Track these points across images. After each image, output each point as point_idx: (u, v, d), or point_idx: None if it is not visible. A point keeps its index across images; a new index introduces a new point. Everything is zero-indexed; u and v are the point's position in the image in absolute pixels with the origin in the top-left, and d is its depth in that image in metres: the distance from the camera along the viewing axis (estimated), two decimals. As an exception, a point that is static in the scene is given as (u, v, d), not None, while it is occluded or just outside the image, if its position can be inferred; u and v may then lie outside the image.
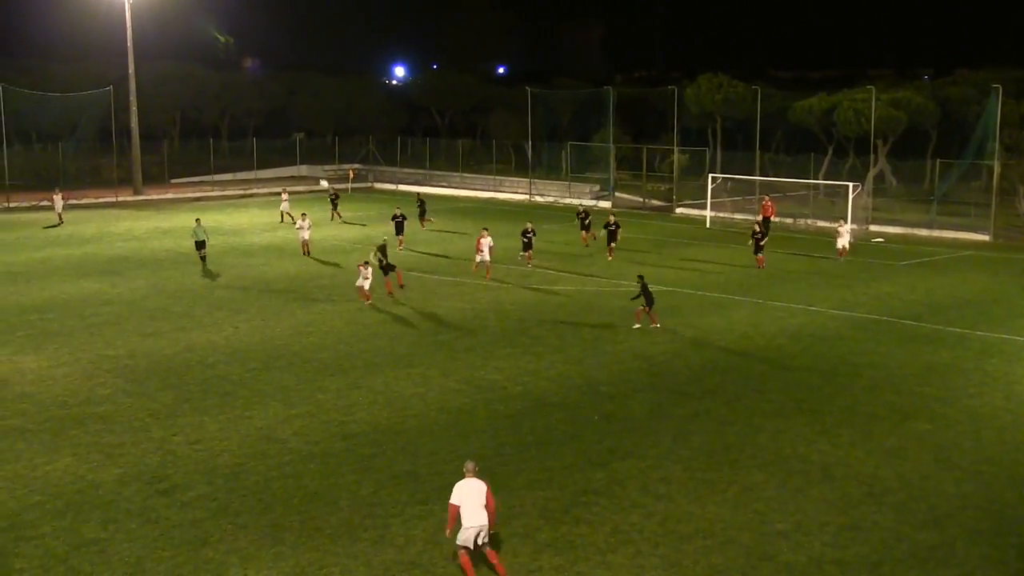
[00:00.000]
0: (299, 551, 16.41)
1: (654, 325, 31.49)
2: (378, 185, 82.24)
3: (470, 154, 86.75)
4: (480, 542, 15.48)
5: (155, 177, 77.12)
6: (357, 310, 34.00)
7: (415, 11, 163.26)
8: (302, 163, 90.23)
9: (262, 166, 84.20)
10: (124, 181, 73.03)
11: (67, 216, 59.00)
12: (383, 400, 24.36)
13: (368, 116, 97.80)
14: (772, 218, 53.30)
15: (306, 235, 45.82)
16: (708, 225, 57.96)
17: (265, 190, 76.95)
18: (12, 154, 72.08)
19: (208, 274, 40.83)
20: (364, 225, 56.95)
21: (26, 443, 21.11)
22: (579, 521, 17.67)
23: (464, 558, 15.45)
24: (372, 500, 18.45)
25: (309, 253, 45.62)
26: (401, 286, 37.22)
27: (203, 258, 43.51)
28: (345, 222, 57.90)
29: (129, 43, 71.07)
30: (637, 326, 31.47)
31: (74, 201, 66.06)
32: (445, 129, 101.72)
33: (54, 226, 56.23)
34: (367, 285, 34.78)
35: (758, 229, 43.67)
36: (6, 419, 22.63)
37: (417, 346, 29.42)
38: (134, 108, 72.57)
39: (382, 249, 36.99)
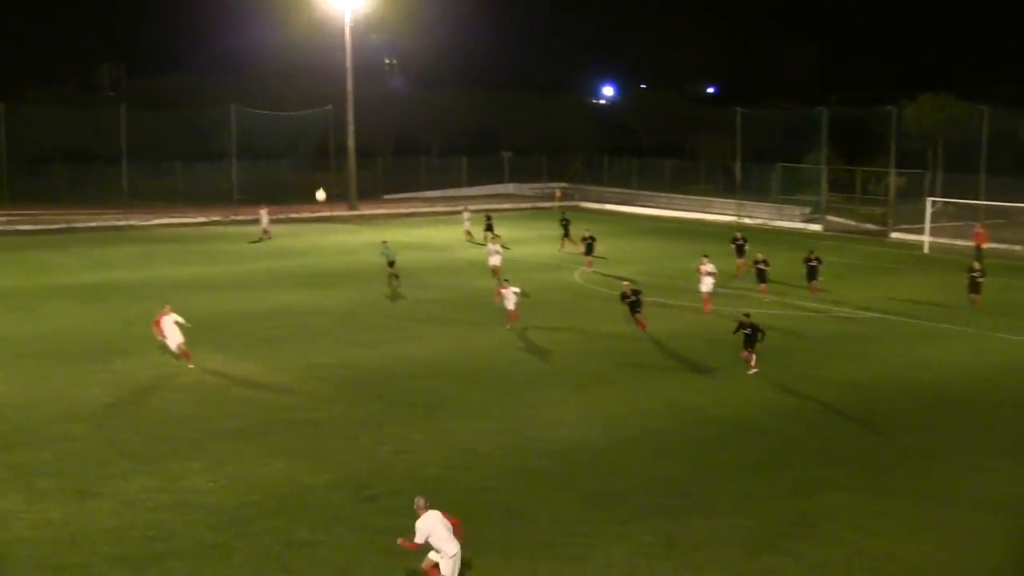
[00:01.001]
0: (498, 567, 16.54)
1: (752, 370, 28.08)
2: (583, 204, 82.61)
3: (677, 174, 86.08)
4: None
5: (369, 192, 79.95)
6: (560, 329, 34.15)
7: (626, 32, 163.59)
8: (510, 181, 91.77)
9: (471, 183, 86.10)
10: (339, 196, 76.04)
11: (285, 230, 61.87)
12: (584, 418, 24.35)
13: (575, 135, 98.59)
14: (983, 246, 50.40)
15: (495, 261, 43.03)
16: (926, 251, 55.42)
17: (473, 207, 78.67)
18: (240, 169, 76.39)
19: (397, 295, 41.02)
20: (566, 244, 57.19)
21: (244, 444, 22.15)
22: (782, 552, 17.11)
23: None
24: (572, 519, 18.42)
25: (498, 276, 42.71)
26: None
27: (395, 276, 41.98)
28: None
29: (348, 63, 74.10)
30: (754, 370, 28.14)
31: (293, 215, 69.30)
32: (652, 149, 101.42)
33: (257, 241, 58.77)
34: (510, 305, 33.38)
35: (977, 267, 40.41)
36: (226, 421, 23.83)
37: (620, 366, 29.30)
38: (351, 127, 75.56)
39: (630, 299, 33.59)
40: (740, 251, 45.28)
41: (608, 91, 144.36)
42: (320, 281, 43.84)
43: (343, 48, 74.66)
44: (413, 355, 30.45)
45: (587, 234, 47.82)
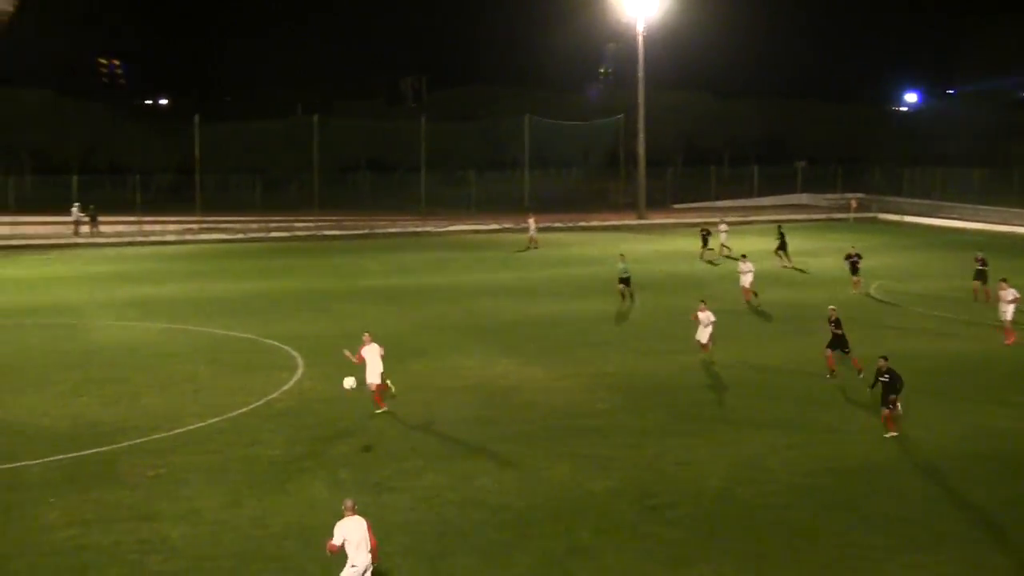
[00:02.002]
0: (783, 586, 15.99)
1: (890, 433, 23.07)
2: (881, 215, 78.94)
3: (986, 184, 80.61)
4: None
5: (658, 201, 79.93)
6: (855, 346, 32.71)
7: (932, 34, 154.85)
8: (803, 191, 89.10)
9: (762, 193, 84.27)
10: (628, 205, 76.47)
11: (575, 238, 62.82)
12: (871, 437, 23.17)
13: (873, 144, 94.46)
14: None
15: (746, 281, 40.51)
16: None
17: (763, 218, 76.91)
18: (532, 178, 78.38)
19: (624, 311, 40.28)
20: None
21: (529, 448, 22.57)
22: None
23: None
24: (860, 542, 17.54)
25: (750, 301, 40.35)
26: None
27: (626, 295, 40.43)
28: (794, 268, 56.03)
29: (640, 73, 74.42)
30: (892, 434, 23.14)
31: (582, 223, 70.31)
32: (958, 158, 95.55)
33: (524, 249, 59.67)
34: (703, 338, 30.63)
35: None
36: (513, 424, 24.39)
37: (918, 391, 27.66)
38: (642, 135, 75.81)
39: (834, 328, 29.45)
40: None
41: (911, 98, 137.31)
42: (608, 288, 44.09)
43: (635, 57, 75.07)
44: (698, 365, 30.04)
45: (852, 251, 44.00)
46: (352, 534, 14.79)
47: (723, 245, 55.78)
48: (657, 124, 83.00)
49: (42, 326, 36.79)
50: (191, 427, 23.66)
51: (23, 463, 21.32)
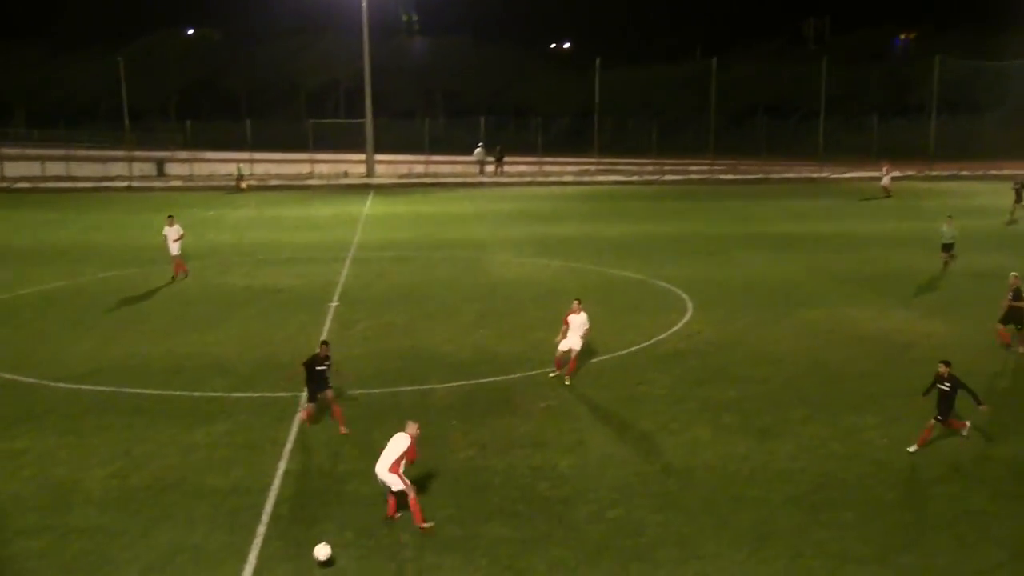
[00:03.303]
0: None
1: (912, 448, 18.78)
2: None
3: None
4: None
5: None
6: None
7: None
8: None
9: None
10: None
11: (984, 187, 58.13)
12: None
13: None
14: None
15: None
16: None
17: None
18: (938, 124, 73.26)
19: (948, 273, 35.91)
20: None
21: (922, 406, 21.35)
22: None
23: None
24: None
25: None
26: None
27: (947, 262, 36.28)
28: None
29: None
30: (913, 448, 18.75)
31: (992, 172, 64.87)
32: None
33: (869, 198, 55.78)
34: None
35: None
36: (906, 380, 23.07)
37: None
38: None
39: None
40: None
41: None
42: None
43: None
44: None
45: None
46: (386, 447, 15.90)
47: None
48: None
49: (450, 260, 39.58)
50: (581, 363, 24.54)
51: (431, 386, 23.15)
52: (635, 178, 73.02)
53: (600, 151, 77.75)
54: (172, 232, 35.55)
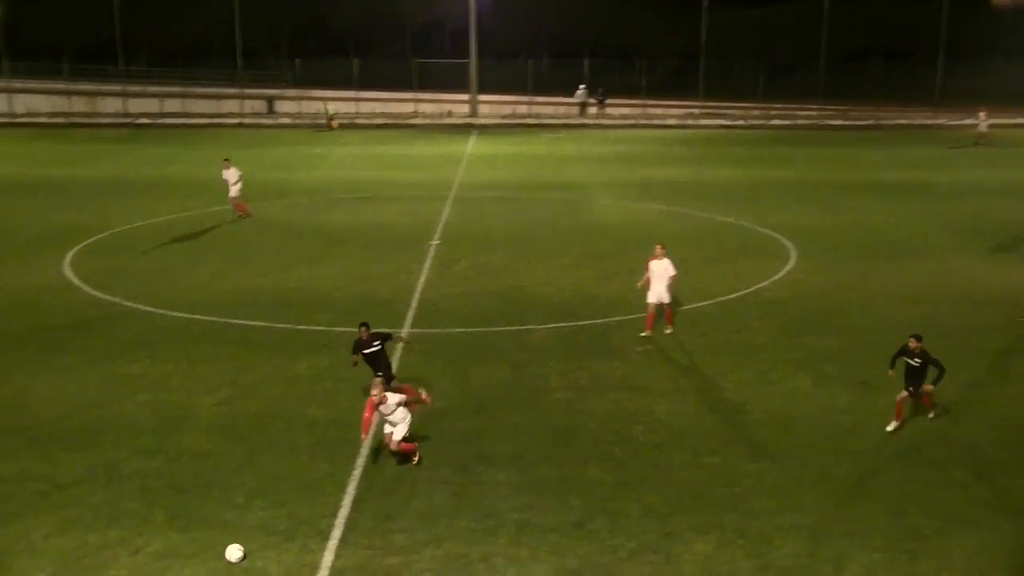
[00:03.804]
0: None
1: (891, 426, 17.33)
2: None
3: None
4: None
5: None
6: None
7: None
8: None
9: None
10: None
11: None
12: None
13: None
14: None
15: None
16: None
17: None
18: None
19: None
20: None
21: (1037, 364, 20.78)
22: None
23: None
24: None
25: None
26: None
27: None
28: None
29: None
30: (891, 427, 17.35)
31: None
32: None
33: (974, 145, 54.17)
34: None
35: None
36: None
37: None
38: None
39: None
40: None
41: None
42: None
43: None
44: None
45: None
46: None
47: None
48: None
49: (551, 201, 39.54)
50: (680, 308, 24.39)
51: (529, 327, 23.28)
52: (740, 122, 71.69)
53: (705, 94, 76.44)
54: (230, 175, 35.87)
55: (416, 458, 15.82)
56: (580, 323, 23.53)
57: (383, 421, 15.86)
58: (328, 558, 13.22)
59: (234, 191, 35.79)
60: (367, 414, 15.72)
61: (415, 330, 22.89)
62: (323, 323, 23.36)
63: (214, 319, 23.67)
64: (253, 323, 23.38)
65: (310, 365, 20.55)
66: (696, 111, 75.54)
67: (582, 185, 43.63)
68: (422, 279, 27.52)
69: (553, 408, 18.40)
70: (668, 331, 22.53)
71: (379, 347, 17.52)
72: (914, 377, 17.24)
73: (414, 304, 25.08)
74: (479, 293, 26.17)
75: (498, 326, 23.30)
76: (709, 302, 25.16)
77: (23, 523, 14.08)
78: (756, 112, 74.44)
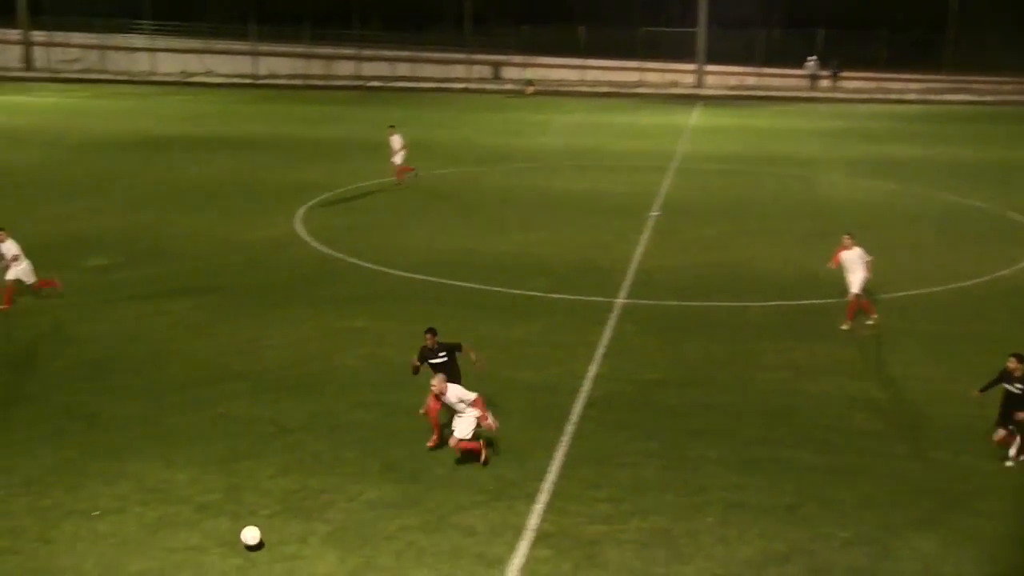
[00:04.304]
0: None
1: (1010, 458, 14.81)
2: None
3: None
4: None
5: None
6: None
7: None
8: None
9: None
10: None
11: None
12: None
13: None
14: None
15: None
16: None
17: None
18: None
19: None
20: None
21: None
22: None
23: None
24: None
25: None
26: None
27: None
28: None
29: None
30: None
31: None
32: None
33: None
34: None
35: None
36: None
37: None
38: None
39: None
40: None
41: None
42: None
43: None
44: None
45: None
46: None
47: None
48: None
49: (776, 176, 38.39)
50: (910, 292, 23.22)
51: (747, 303, 22.69)
52: (990, 98, 67.47)
53: (951, 67, 72.24)
54: (395, 142, 36.19)
55: (483, 458, 14.80)
56: (800, 302, 22.75)
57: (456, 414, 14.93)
58: (533, 521, 13.29)
59: (397, 158, 36.29)
60: (432, 403, 15.10)
61: (630, 300, 22.70)
62: (538, 288, 23.49)
63: (432, 279, 24.21)
64: (469, 285, 23.77)
65: (524, 329, 20.72)
66: (939, 85, 71.55)
67: (811, 160, 42.14)
68: (639, 249, 27.27)
69: (767, 387, 17.86)
70: (869, 322, 21.25)
71: (445, 358, 15.61)
72: (1012, 406, 14.74)
73: (630, 274, 24.88)
74: (697, 266, 25.71)
75: (715, 300, 22.83)
76: (942, 288, 23.83)
77: (252, 461, 14.82)
78: (1010, 87, 69.75)
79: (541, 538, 12.91)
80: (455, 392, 14.73)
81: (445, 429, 15.03)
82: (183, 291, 23.27)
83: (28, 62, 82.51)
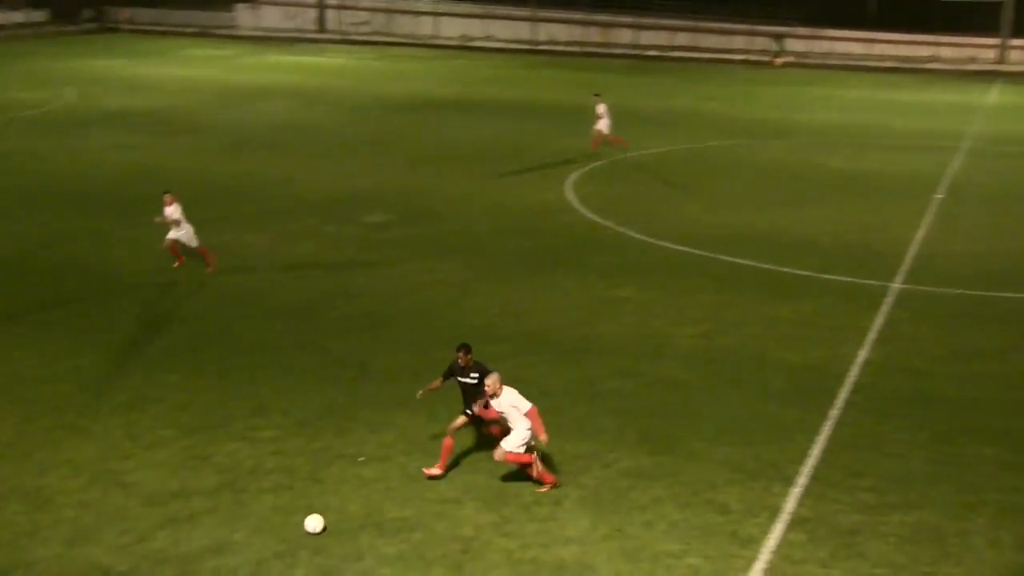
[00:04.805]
0: None
1: None
2: None
3: None
4: None
5: None
6: None
7: None
8: None
9: None
10: None
11: None
12: None
13: None
14: None
15: None
16: None
17: None
18: None
19: None
20: None
21: None
22: None
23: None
24: None
25: None
26: None
27: None
28: None
29: None
30: None
31: None
32: None
33: None
34: None
35: None
36: None
37: None
38: None
39: None
40: None
41: None
42: None
43: None
44: None
45: None
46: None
47: None
48: None
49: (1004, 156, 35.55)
50: None
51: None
52: None
53: None
54: (601, 110, 35.36)
55: (535, 472, 13.26)
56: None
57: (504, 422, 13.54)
58: (790, 504, 13.02)
59: (602, 125, 35.61)
60: (480, 411, 13.67)
61: (906, 286, 21.67)
62: (809, 268, 22.83)
63: (700, 252, 23.99)
64: (738, 260, 23.40)
65: (793, 309, 20.22)
66: None
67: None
68: (920, 233, 25.93)
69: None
70: None
71: (477, 381, 13.67)
72: None
73: (908, 259, 23.72)
74: (984, 255, 24.20)
75: (1003, 291, 21.43)
76: None
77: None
78: None
79: (797, 522, 12.64)
80: (509, 398, 13.16)
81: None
82: (453, 251, 24.18)
83: (321, 24, 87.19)
